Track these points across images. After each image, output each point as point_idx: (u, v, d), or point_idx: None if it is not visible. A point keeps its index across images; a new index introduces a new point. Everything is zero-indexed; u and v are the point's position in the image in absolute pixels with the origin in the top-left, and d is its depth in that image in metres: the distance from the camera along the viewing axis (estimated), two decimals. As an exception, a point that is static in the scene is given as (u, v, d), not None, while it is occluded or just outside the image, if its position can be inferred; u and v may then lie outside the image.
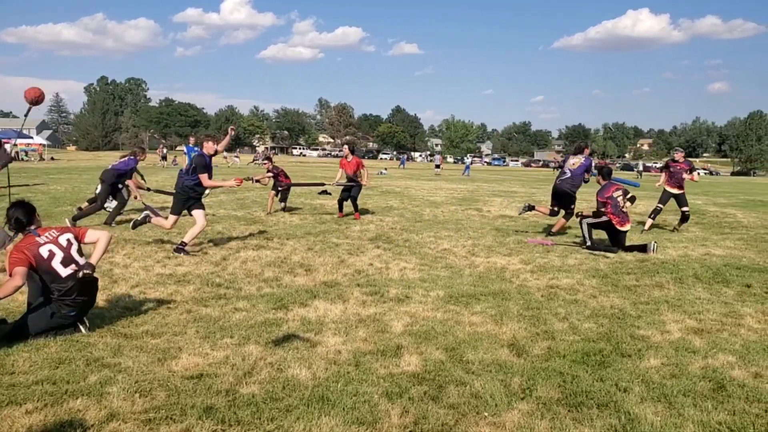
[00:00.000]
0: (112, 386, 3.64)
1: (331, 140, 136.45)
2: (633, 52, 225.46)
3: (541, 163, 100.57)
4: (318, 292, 6.14)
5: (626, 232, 9.23)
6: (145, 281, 6.40)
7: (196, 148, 18.55)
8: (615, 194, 9.20)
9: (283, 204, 13.42)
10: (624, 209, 9.18)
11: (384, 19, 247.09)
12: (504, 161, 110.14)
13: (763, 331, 5.12)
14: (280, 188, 13.26)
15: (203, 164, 8.11)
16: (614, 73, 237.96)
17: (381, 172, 37.18)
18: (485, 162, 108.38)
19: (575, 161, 10.44)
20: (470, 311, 5.58)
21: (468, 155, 69.51)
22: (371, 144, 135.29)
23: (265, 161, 14.33)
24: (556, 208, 10.56)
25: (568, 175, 10.35)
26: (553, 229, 10.68)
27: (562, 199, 10.42)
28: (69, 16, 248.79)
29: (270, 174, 13.21)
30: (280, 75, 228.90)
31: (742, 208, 17.67)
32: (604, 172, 9.59)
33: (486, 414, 3.45)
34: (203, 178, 8.06)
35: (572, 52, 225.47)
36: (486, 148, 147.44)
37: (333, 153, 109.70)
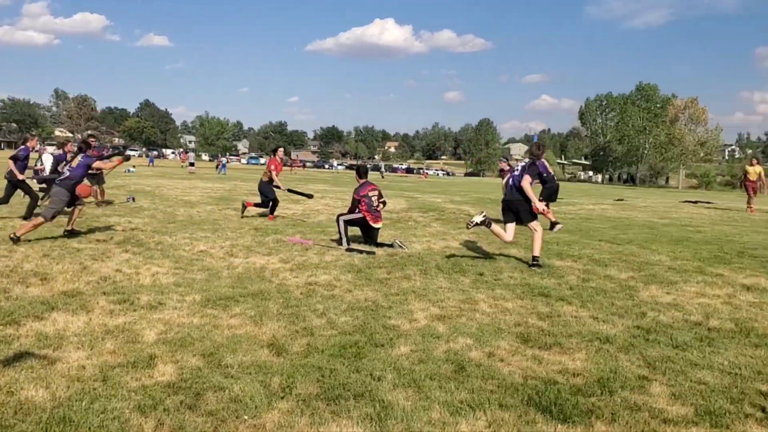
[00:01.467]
0: None
1: (71, 135, 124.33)
2: (380, 60, 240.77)
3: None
4: (56, 303, 5.52)
5: (378, 228, 9.79)
6: None
7: None
8: (370, 193, 9.74)
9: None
10: (378, 208, 9.75)
11: (130, 9, 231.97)
12: (258, 160, 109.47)
13: (494, 315, 5.76)
14: None
15: (536, 172, 8.47)
16: (364, 79, 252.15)
17: (129, 170, 34.69)
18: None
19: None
20: (229, 314, 5.45)
21: (223, 155, 68.31)
22: (117, 140, 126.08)
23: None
24: None
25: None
26: None
27: None
28: None
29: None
30: (5, 61, 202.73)
31: (474, 204, 19.73)
32: (361, 171, 10.13)
33: (246, 417, 3.39)
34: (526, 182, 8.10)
35: (325, 55, 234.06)
36: (243, 146, 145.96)
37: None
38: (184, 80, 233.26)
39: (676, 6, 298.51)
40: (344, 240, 9.39)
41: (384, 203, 10.05)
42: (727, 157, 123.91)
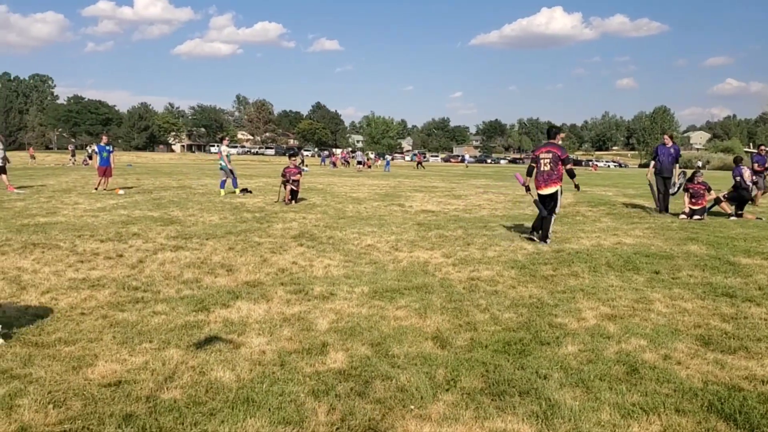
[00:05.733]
0: (22, 398, 3.45)
1: (251, 137, 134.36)
2: (546, 49, 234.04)
3: (460, 158, 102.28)
4: (240, 292, 6.02)
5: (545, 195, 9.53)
6: (57, 287, 6.09)
7: (108, 147, 17.86)
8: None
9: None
10: (543, 170, 9.51)
11: (304, 15, 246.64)
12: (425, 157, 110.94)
13: (671, 315, 5.40)
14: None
15: None
16: (529, 70, 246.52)
17: (302, 170, 36.85)
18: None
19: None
20: (395, 306, 5.62)
21: (388, 154, 70.39)
22: (292, 141, 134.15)
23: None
24: None
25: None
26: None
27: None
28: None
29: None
30: (196, 71, 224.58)
31: (648, 198, 18.55)
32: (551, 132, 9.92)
33: (412, 407, 3.48)
34: None
35: (489, 49, 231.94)
36: (406, 144, 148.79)
37: (253, 150, 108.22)
38: (353, 81, 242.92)
39: None
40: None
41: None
42: None
